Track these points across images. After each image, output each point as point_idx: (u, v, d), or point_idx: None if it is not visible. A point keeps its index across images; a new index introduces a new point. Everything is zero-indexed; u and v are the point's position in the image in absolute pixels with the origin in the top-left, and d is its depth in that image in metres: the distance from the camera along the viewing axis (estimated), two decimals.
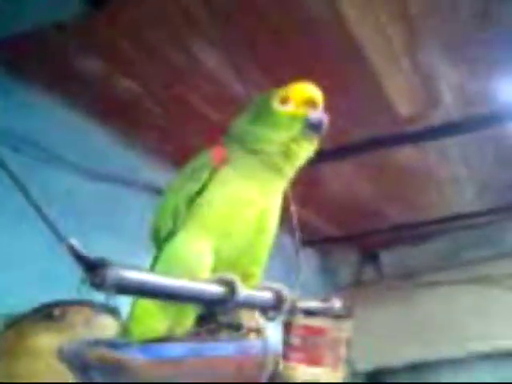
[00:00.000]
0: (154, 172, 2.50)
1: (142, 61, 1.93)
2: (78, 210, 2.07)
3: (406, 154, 2.65)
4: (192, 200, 1.08)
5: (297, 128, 1.08)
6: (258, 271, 1.15)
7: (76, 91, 2.07)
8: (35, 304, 1.64)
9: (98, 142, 2.28)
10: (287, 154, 1.10)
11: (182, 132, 2.34)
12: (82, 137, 2.21)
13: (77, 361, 0.80)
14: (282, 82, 1.16)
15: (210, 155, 1.11)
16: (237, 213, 1.08)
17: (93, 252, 0.77)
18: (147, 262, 1.12)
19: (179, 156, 1.33)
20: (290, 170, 1.13)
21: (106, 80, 2.01)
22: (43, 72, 1.96)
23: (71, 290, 0.85)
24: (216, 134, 1.19)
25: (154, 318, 1.00)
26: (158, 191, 2.37)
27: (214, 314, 1.01)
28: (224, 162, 1.10)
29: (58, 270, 1.51)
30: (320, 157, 1.20)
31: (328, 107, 1.12)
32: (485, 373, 3.62)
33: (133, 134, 2.35)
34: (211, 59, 1.92)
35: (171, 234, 1.09)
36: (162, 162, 2.51)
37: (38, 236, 1.20)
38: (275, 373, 1.14)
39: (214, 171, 1.09)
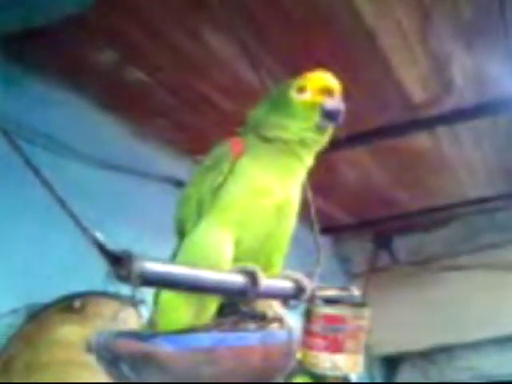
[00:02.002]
0: (168, 162, 2.51)
1: (153, 50, 1.93)
2: (92, 201, 2.08)
3: (419, 140, 2.64)
4: (214, 192, 1.08)
5: (314, 116, 1.09)
6: (278, 260, 1.16)
7: (89, 82, 2.08)
8: (58, 296, 1.67)
9: (111, 133, 2.29)
10: (305, 142, 1.10)
11: (195, 122, 2.34)
12: (96, 128, 2.22)
13: (105, 352, 0.81)
14: (295, 70, 1.17)
15: (229, 146, 1.12)
16: (257, 202, 1.08)
17: (109, 243, 0.79)
18: (161, 251, 1.13)
19: (193, 146, 1.34)
20: (308, 158, 1.14)
21: (118, 71, 2.01)
22: (55, 64, 1.97)
23: (95, 283, 0.86)
24: (230, 123, 1.19)
25: (178, 310, 1.01)
26: (172, 181, 2.39)
27: (236, 304, 1.02)
28: (243, 152, 1.10)
29: (83, 263, 1.53)
30: (333, 144, 1.20)
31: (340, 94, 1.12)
32: (500, 357, 3.62)
33: (146, 124, 2.36)
34: (224, 48, 1.92)
35: (195, 227, 1.10)
36: (175, 152, 2.52)
37: (62, 229, 1.21)
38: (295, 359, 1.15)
39: (233, 162, 1.09)
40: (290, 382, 1.20)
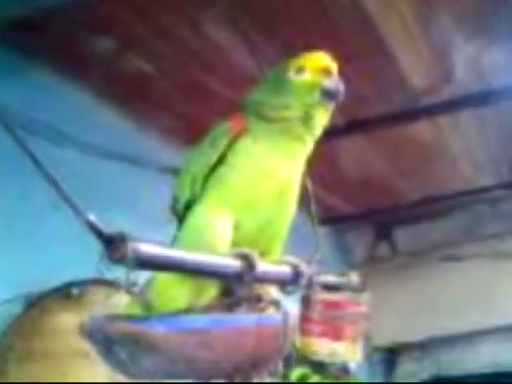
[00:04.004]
0: (168, 152, 2.50)
1: (153, 40, 1.91)
2: (91, 191, 2.06)
3: (420, 129, 2.62)
4: (211, 170, 1.08)
5: (314, 95, 1.09)
6: (278, 245, 1.15)
7: (88, 72, 2.06)
8: (57, 284, 1.66)
9: (111, 122, 2.28)
10: (306, 121, 1.10)
11: (195, 112, 2.32)
12: (95, 117, 2.21)
13: (99, 335, 0.81)
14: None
15: (228, 124, 1.11)
16: (259, 183, 1.08)
17: (102, 225, 0.78)
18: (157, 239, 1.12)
19: (193, 136, 1.32)
20: (310, 138, 1.13)
21: (117, 60, 1.99)
22: (54, 53, 1.95)
23: (93, 271, 0.86)
24: (231, 112, 1.18)
25: (174, 292, 1.01)
26: (172, 172, 2.37)
27: (233, 288, 1.02)
28: (243, 131, 1.10)
29: (81, 251, 1.53)
30: (333, 133, 1.20)
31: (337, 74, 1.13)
32: (502, 347, 3.62)
33: (146, 113, 2.34)
34: (225, 38, 1.91)
35: (190, 205, 1.09)
36: (175, 141, 2.50)
37: (59, 217, 1.20)
38: (293, 347, 1.14)
39: (232, 141, 1.09)
40: (288, 374, 1.19)
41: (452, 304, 3.60)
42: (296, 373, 1.25)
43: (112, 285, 1.58)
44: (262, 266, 0.98)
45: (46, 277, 1.72)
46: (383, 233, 3.89)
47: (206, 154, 1.09)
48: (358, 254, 3.95)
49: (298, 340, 1.16)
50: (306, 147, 1.14)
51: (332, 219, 3.56)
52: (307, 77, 1.10)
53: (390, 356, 3.99)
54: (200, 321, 0.83)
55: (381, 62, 2.11)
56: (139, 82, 2.13)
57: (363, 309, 1.24)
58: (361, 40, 1.98)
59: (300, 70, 1.10)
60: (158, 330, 0.79)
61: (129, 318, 0.84)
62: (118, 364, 0.83)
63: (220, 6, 1.77)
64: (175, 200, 1.14)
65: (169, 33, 1.88)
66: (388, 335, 3.69)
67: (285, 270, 1.07)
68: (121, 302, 1.44)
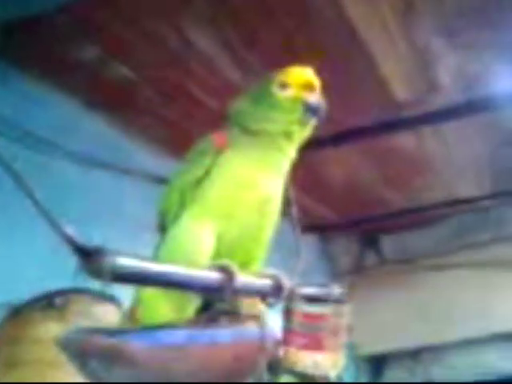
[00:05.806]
0: (153, 160, 2.49)
1: (138, 47, 1.91)
2: (75, 198, 2.06)
3: (404, 139, 2.64)
4: (196, 184, 1.09)
5: (297, 111, 1.11)
6: (260, 255, 1.16)
7: (73, 79, 2.06)
8: (39, 293, 1.65)
9: (96, 130, 2.27)
10: (288, 135, 1.12)
11: (180, 120, 2.32)
12: (80, 125, 2.21)
13: (75, 349, 0.80)
14: (279, 68, 1.17)
15: (212, 139, 1.12)
16: (240, 196, 1.09)
17: (91, 240, 0.77)
18: (144, 249, 1.12)
19: (178, 144, 1.33)
20: (291, 151, 1.14)
21: (102, 67, 1.99)
22: (38, 60, 1.95)
23: (78, 281, 0.85)
24: (214, 121, 1.19)
25: (159, 306, 1.01)
26: (155, 179, 2.37)
27: (214, 301, 1.01)
28: (226, 145, 1.11)
29: (65, 260, 1.52)
30: (319, 143, 1.21)
31: (324, 93, 1.14)
32: (487, 355, 3.63)
33: (131, 121, 2.34)
34: (209, 46, 1.91)
35: (176, 219, 1.10)
36: (160, 150, 2.50)
37: (45, 226, 1.19)
38: (275, 359, 1.14)
39: (216, 155, 1.10)
40: (274, 381, 1.19)
41: (440, 312, 3.61)
42: (281, 382, 1.25)
43: (96, 295, 1.57)
44: (242, 279, 0.98)
45: (28, 286, 1.70)
46: (370, 241, 3.91)
47: (192, 170, 1.10)
48: (345, 262, 3.95)
49: (281, 351, 1.16)
50: (288, 159, 1.15)
51: (318, 228, 3.56)
52: (291, 93, 1.11)
53: (375, 365, 3.99)
54: (176, 336, 0.83)
55: (364, 72, 2.12)
56: (123, 89, 2.13)
57: (344, 320, 1.24)
58: (344, 50, 2.00)
59: (284, 86, 1.12)
60: (133, 344, 0.78)
61: (105, 331, 0.83)
62: (92, 376, 0.82)
63: (202, 13, 1.78)
64: (162, 215, 1.14)
65: (153, 40, 1.88)
66: (374, 344, 3.69)
67: (265, 282, 1.07)
68: (104, 312, 1.43)
